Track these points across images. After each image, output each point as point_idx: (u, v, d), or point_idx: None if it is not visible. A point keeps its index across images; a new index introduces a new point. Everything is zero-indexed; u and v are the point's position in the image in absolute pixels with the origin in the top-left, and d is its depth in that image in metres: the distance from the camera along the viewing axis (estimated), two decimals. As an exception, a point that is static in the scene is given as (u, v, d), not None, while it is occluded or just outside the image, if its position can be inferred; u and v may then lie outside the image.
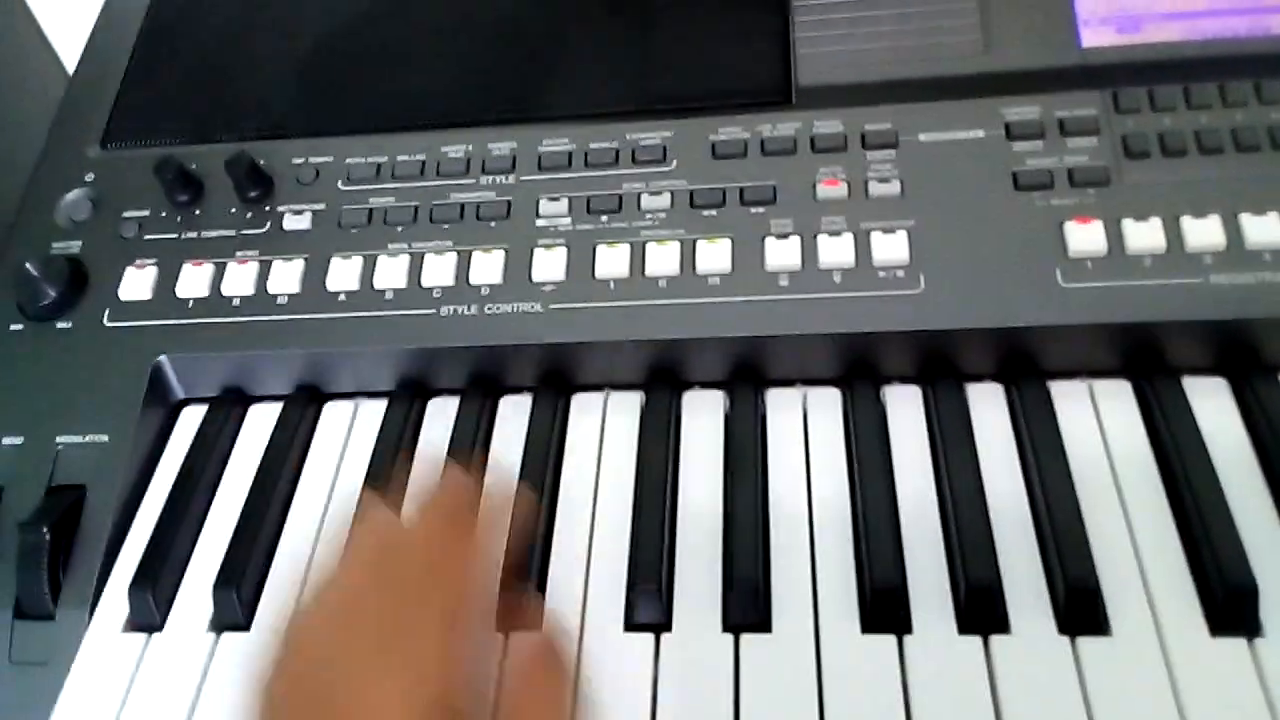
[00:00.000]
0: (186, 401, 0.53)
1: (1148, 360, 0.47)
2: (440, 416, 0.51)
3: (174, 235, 0.55)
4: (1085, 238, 0.47)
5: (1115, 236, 0.47)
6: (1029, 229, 0.48)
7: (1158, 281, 0.46)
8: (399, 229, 0.53)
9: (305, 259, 0.53)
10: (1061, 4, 0.54)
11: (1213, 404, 0.46)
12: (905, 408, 0.48)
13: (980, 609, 0.41)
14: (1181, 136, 0.49)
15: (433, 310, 0.51)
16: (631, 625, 0.43)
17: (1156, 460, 0.45)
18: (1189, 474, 0.43)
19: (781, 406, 0.49)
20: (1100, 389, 0.47)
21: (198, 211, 0.55)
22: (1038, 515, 0.43)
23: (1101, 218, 0.48)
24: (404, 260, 0.52)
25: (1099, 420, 0.46)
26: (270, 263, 0.53)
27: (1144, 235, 0.47)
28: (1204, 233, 0.46)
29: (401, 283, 0.51)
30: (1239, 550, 0.40)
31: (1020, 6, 0.55)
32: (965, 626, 0.41)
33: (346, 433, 0.51)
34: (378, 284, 0.52)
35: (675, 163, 0.53)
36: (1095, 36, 0.54)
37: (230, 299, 0.52)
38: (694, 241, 0.50)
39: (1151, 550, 0.42)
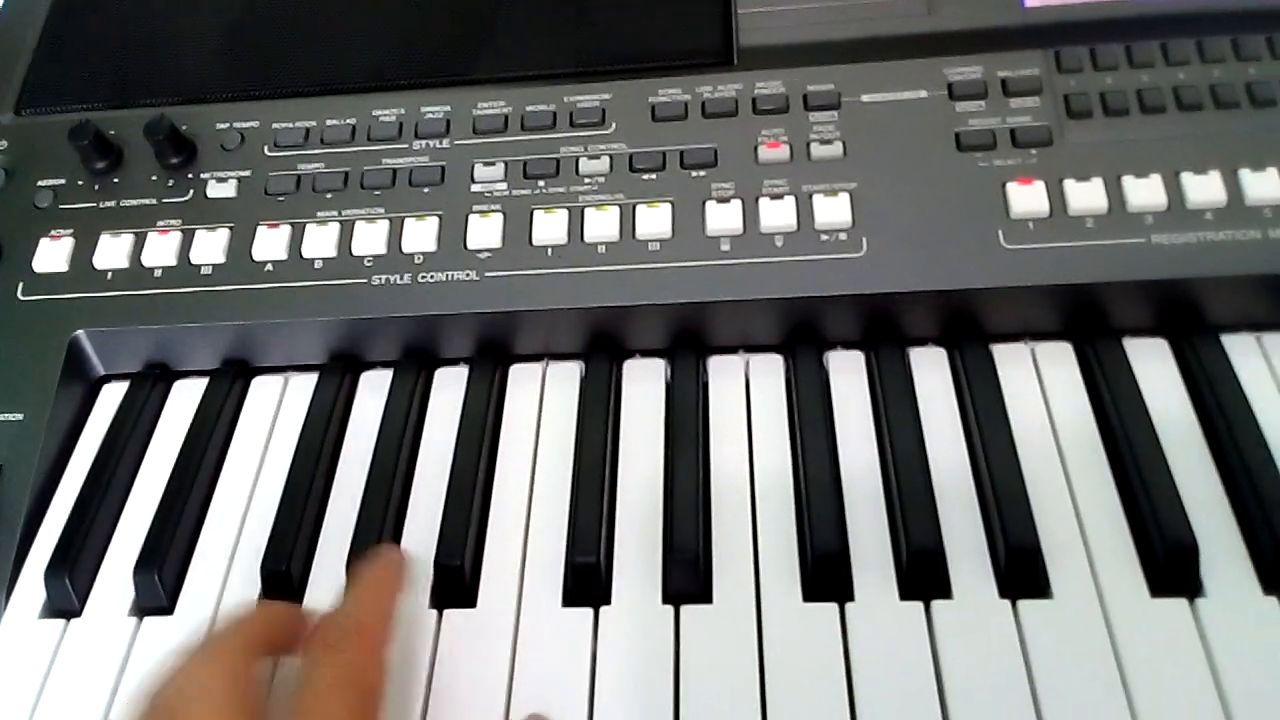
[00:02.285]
0: (107, 378, 0.51)
1: (1090, 321, 0.47)
2: (372, 390, 0.49)
3: (91, 204, 0.52)
4: (1027, 198, 0.46)
5: (1057, 197, 0.46)
6: (971, 190, 0.47)
7: (1100, 242, 0.46)
8: (328, 196, 0.51)
9: (230, 228, 0.51)
10: (1006, -39, 0.54)
11: (1154, 365, 0.45)
12: (848, 373, 0.47)
13: (922, 574, 0.41)
14: (1124, 96, 0.48)
15: (364, 280, 0.49)
16: (570, 599, 0.42)
17: (1097, 422, 0.44)
18: (1129, 435, 0.43)
19: (724, 373, 0.48)
20: (1042, 351, 0.47)
21: (116, 179, 0.53)
22: (979, 479, 0.43)
23: (1044, 178, 0.47)
24: (334, 228, 0.50)
25: (1041, 382, 0.46)
26: (193, 232, 0.51)
27: (1086, 195, 0.46)
28: (1146, 192, 0.46)
29: (331, 251, 0.50)
30: (1179, 510, 0.40)
31: (965, -36, 0.54)
32: (907, 592, 0.41)
33: (275, 408, 0.49)
34: (306, 253, 0.50)
35: (614, 125, 0.51)
36: (1039, -5, 0.53)
37: (151, 270, 0.50)
38: (634, 206, 0.49)
39: (1092, 512, 0.42)
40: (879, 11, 0.53)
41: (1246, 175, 0.46)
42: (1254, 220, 0.45)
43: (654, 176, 0.50)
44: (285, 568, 0.43)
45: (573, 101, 0.52)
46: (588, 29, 0.55)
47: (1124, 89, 0.49)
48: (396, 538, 0.44)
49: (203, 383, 0.50)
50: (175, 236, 0.51)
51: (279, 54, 0.56)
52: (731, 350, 0.49)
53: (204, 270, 0.50)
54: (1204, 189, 0.46)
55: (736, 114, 0.51)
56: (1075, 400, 0.45)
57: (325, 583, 0.43)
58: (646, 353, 0.49)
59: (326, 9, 0.57)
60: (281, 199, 0.51)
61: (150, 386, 0.50)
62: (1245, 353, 0.45)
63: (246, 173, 0.52)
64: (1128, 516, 0.41)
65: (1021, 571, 0.40)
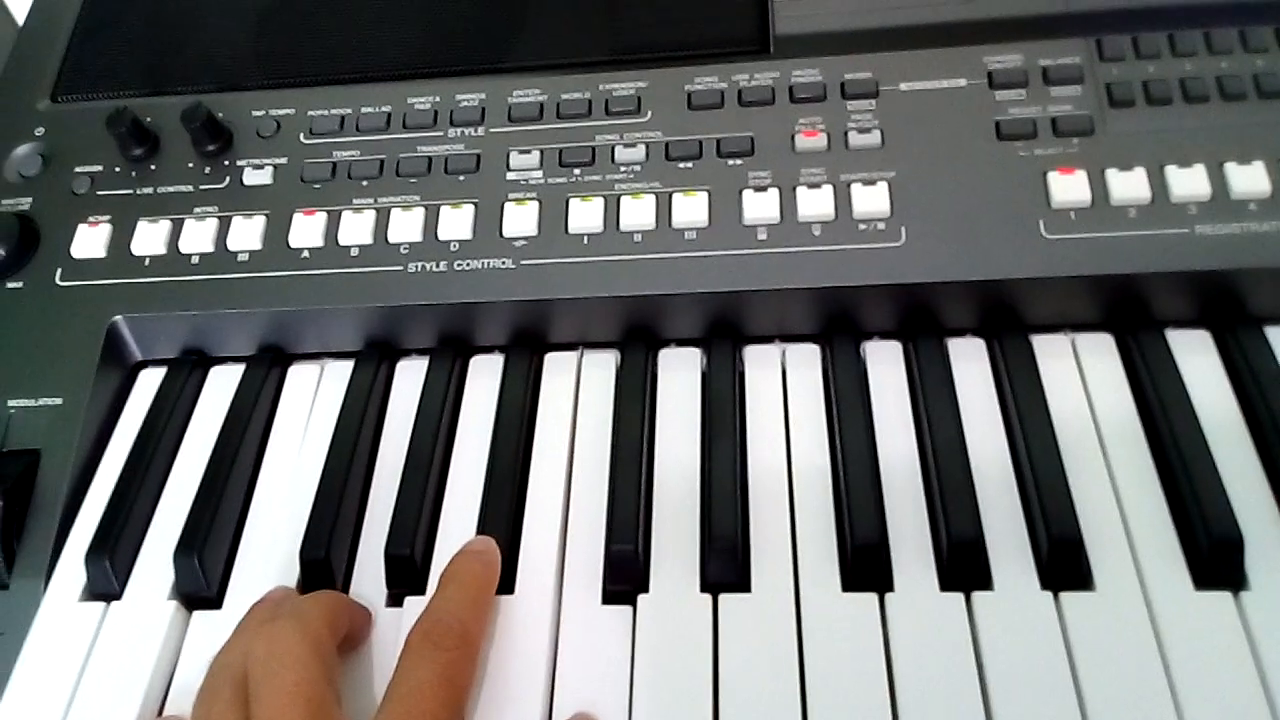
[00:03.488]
0: (145, 363, 0.51)
1: (1132, 313, 0.46)
2: (408, 378, 0.49)
3: (129, 191, 0.53)
4: (1069, 188, 0.46)
5: (1099, 187, 0.46)
6: (1012, 180, 0.47)
7: (1142, 232, 0.45)
8: (364, 183, 0.51)
9: (266, 215, 0.51)
10: (1045, -50, 0.53)
11: (1197, 357, 0.45)
12: (886, 363, 0.47)
13: (963, 565, 0.40)
14: (1166, 85, 0.48)
15: (400, 267, 0.49)
16: (608, 587, 0.42)
17: (1140, 414, 0.44)
18: (1173, 427, 0.42)
19: (760, 363, 0.48)
20: (1083, 342, 0.46)
21: (153, 166, 0.53)
22: (1020, 470, 0.43)
23: (1085, 168, 0.46)
24: (370, 216, 0.50)
25: (1082, 374, 0.45)
26: (230, 219, 0.51)
27: (1128, 185, 0.46)
28: (1189, 183, 0.45)
29: (367, 239, 0.50)
30: (1224, 503, 0.40)
31: (1004, -47, 0.53)
32: (947, 583, 0.40)
33: (312, 395, 0.50)
34: (343, 240, 0.50)
35: (650, 114, 0.51)
36: (1079, -17, 0.52)
37: (189, 256, 0.50)
38: (670, 194, 0.49)
39: (1135, 504, 0.41)
40: (916, -1, 0.53)
41: (1290, 166, 0.45)
42: (1297, 211, 0.45)
43: (690, 165, 0.50)
44: (324, 555, 0.43)
45: (608, 90, 0.52)
46: (623, 16, 0.55)
47: (1166, 78, 0.48)
48: (433, 526, 0.45)
49: (239, 369, 0.50)
50: (212, 223, 0.51)
51: (314, 41, 0.56)
52: (768, 340, 0.49)
53: (241, 257, 0.50)
54: (1248, 179, 0.45)
55: (773, 102, 0.51)
56: (1117, 392, 0.45)
57: (366, 571, 0.44)
58: (682, 342, 0.49)
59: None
60: (317, 186, 0.52)
61: (188, 372, 0.50)
62: (1285, 344, 0.45)
63: (283, 160, 0.53)
64: (1171, 509, 0.41)
65: (1063, 563, 0.40)
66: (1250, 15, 0.50)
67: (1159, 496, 0.41)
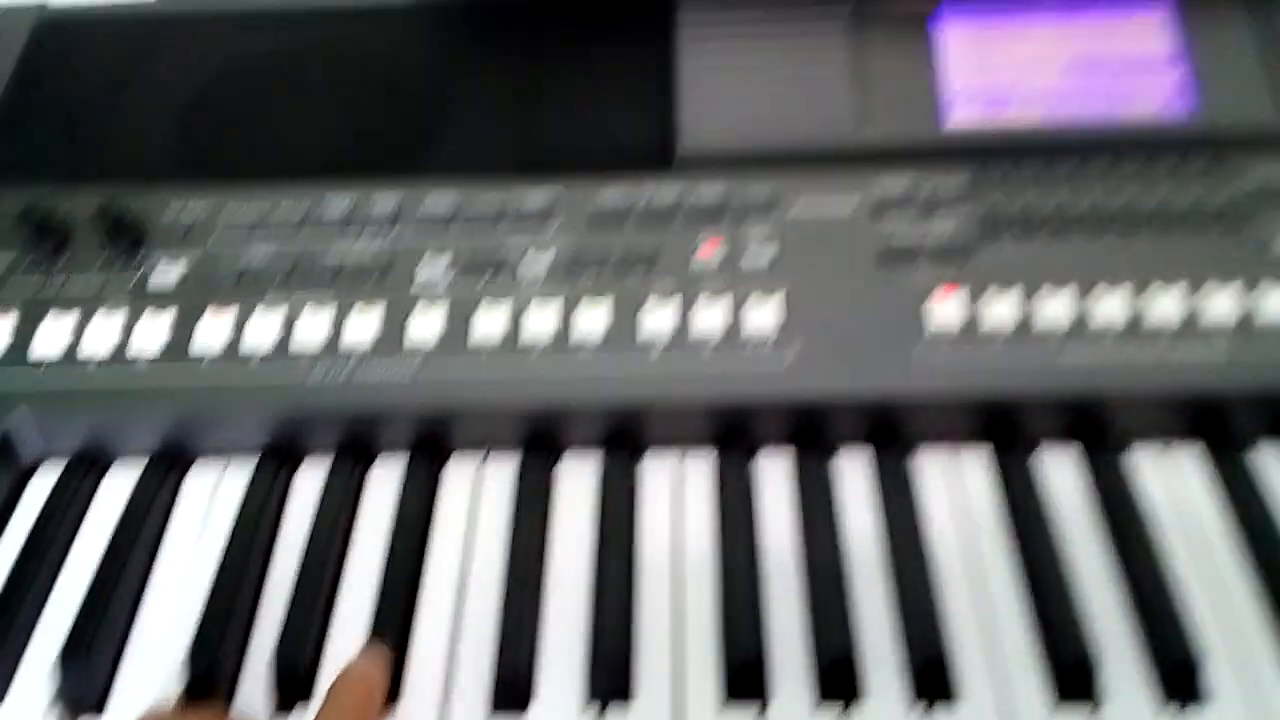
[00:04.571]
0: (39, 463, 0.51)
1: (1003, 432, 0.49)
2: (308, 483, 0.50)
3: (34, 286, 0.53)
4: (944, 311, 0.49)
5: (972, 311, 0.49)
6: (893, 301, 0.50)
7: (1010, 356, 0.48)
8: (273, 285, 0.52)
9: (173, 315, 0.51)
10: (933, 80, 0.56)
11: (1064, 475, 0.48)
12: (774, 476, 0.49)
13: (837, 678, 0.42)
14: (1037, 216, 0.51)
15: (304, 371, 0.50)
16: (496, 702, 0.42)
17: (1008, 530, 0.46)
18: (1036, 544, 0.45)
19: (655, 473, 0.49)
20: (959, 459, 0.49)
21: (61, 261, 0.53)
22: (893, 584, 0.44)
23: (959, 293, 0.49)
24: (277, 318, 0.51)
25: (957, 490, 0.48)
26: (136, 318, 0.51)
27: (998, 311, 0.49)
28: (1054, 310, 0.48)
29: (273, 342, 0.50)
30: (1080, 621, 0.42)
31: (896, 81, 0.57)
32: (825, 694, 0.42)
33: (210, 498, 0.50)
34: (248, 342, 0.50)
35: (558, 224, 0.53)
36: (964, 113, 0.56)
37: (91, 355, 0.51)
38: (572, 305, 0.51)
39: (1001, 619, 0.43)
40: (816, 122, 0.56)
41: (1150, 296, 0.48)
42: (1154, 340, 0.48)
43: (593, 277, 0.52)
44: (211, 664, 0.43)
45: (519, 199, 0.54)
46: (539, 127, 0.57)
47: (1037, 209, 0.51)
48: (322, 637, 0.45)
49: (137, 470, 0.50)
50: (117, 322, 0.51)
51: (233, 139, 0.58)
52: (664, 449, 0.50)
53: (145, 357, 0.50)
54: (1108, 308, 0.48)
55: (675, 218, 0.53)
56: (988, 508, 0.47)
57: (254, 678, 0.44)
58: (581, 451, 0.51)
59: (282, 97, 0.59)
60: (226, 286, 0.52)
61: (84, 473, 0.50)
62: (1150, 465, 0.48)
63: (193, 259, 0.53)
64: (1035, 624, 0.43)
65: (931, 677, 0.42)
66: (1119, 151, 0.54)
67: (1022, 612, 0.43)
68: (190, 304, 0.52)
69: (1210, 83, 0.55)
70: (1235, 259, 0.50)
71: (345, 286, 0.52)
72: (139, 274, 0.53)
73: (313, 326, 0.50)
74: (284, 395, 0.49)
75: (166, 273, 0.53)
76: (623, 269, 0.51)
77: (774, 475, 0.49)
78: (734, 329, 0.49)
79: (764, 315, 0.49)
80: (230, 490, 0.50)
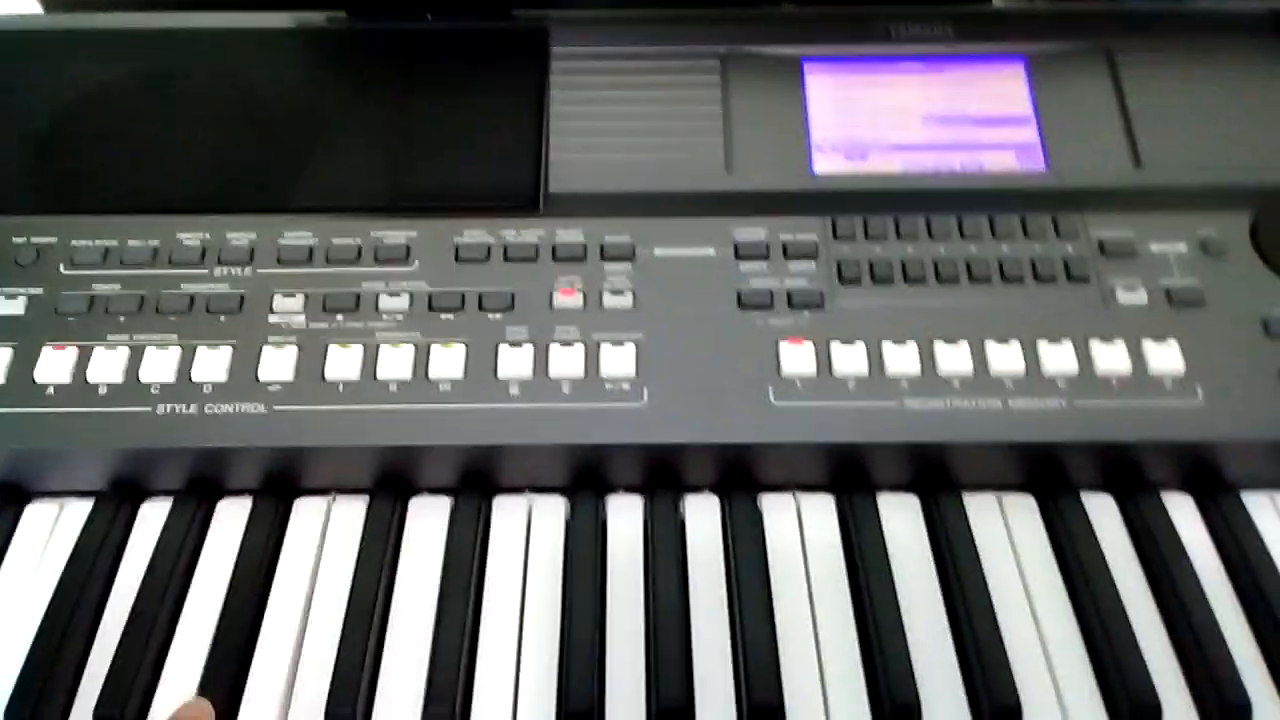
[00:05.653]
0: None
1: (851, 477, 0.50)
2: (150, 521, 0.49)
3: None
4: (797, 358, 0.50)
5: (824, 358, 0.50)
6: (748, 347, 0.50)
7: (859, 403, 0.49)
8: (121, 319, 0.51)
9: (14, 347, 0.50)
10: (799, 129, 0.58)
11: (903, 521, 0.49)
12: (625, 519, 0.49)
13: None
14: (889, 265, 0.52)
15: (149, 408, 0.48)
16: (325, 750, 0.42)
17: (848, 572, 0.47)
18: (871, 587, 0.46)
19: (507, 513, 0.49)
20: (806, 503, 0.49)
21: (-102, 290, 0.52)
22: (733, 630, 0.45)
23: (813, 339, 0.50)
24: (123, 353, 0.50)
25: (802, 533, 0.48)
26: (-26, 350, 0.50)
27: (849, 358, 0.50)
28: (902, 359, 0.50)
29: (118, 377, 0.49)
30: (907, 664, 0.43)
31: (763, 129, 0.58)
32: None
33: (47, 536, 0.48)
34: (92, 377, 0.49)
35: (417, 263, 0.53)
36: (826, 163, 0.57)
37: (-76, 388, 0.49)
38: (428, 345, 0.50)
39: (833, 660, 0.44)
40: (681, 168, 0.56)
41: (992, 347, 0.50)
42: (996, 390, 0.49)
43: (451, 317, 0.51)
44: (33, 713, 0.42)
45: (379, 237, 0.54)
46: (404, 166, 0.57)
47: (890, 259, 0.53)
48: (156, 678, 0.44)
49: (-31, 507, 0.49)
50: (-46, 354, 0.50)
51: (87, 170, 0.56)
52: (518, 491, 0.50)
53: (-18, 391, 0.49)
54: (954, 359, 0.50)
55: (537, 259, 0.53)
56: (831, 551, 0.48)
57: (76, 727, 0.42)
58: (436, 490, 0.50)
59: (140, 128, 0.57)
60: (72, 320, 0.51)
61: (-90, 511, 0.48)
62: (986, 512, 0.49)
63: (38, 290, 0.52)
64: (865, 666, 0.44)
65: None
66: (972, 203, 0.55)
67: (856, 654, 0.44)
68: (34, 335, 0.50)
69: (1060, 139, 0.57)
70: (1078, 312, 0.52)
71: (196, 322, 0.51)
72: (-20, 304, 0.51)
73: (160, 362, 0.49)
74: (128, 431, 0.48)
75: (10, 304, 0.51)
76: (482, 309, 0.51)
77: (624, 518, 0.49)
78: (592, 371, 0.50)
79: (622, 357, 0.50)
80: (70, 527, 0.48)
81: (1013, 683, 0.43)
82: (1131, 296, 0.51)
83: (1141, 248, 0.53)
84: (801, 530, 0.48)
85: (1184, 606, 0.45)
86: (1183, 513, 0.49)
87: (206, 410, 0.48)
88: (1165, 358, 0.49)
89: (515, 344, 0.50)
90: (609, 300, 0.52)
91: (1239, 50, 0.60)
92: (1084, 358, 0.50)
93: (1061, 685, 0.43)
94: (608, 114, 0.58)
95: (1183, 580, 0.46)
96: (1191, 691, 0.43)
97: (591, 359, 0.50)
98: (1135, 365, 0.49)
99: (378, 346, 0.50)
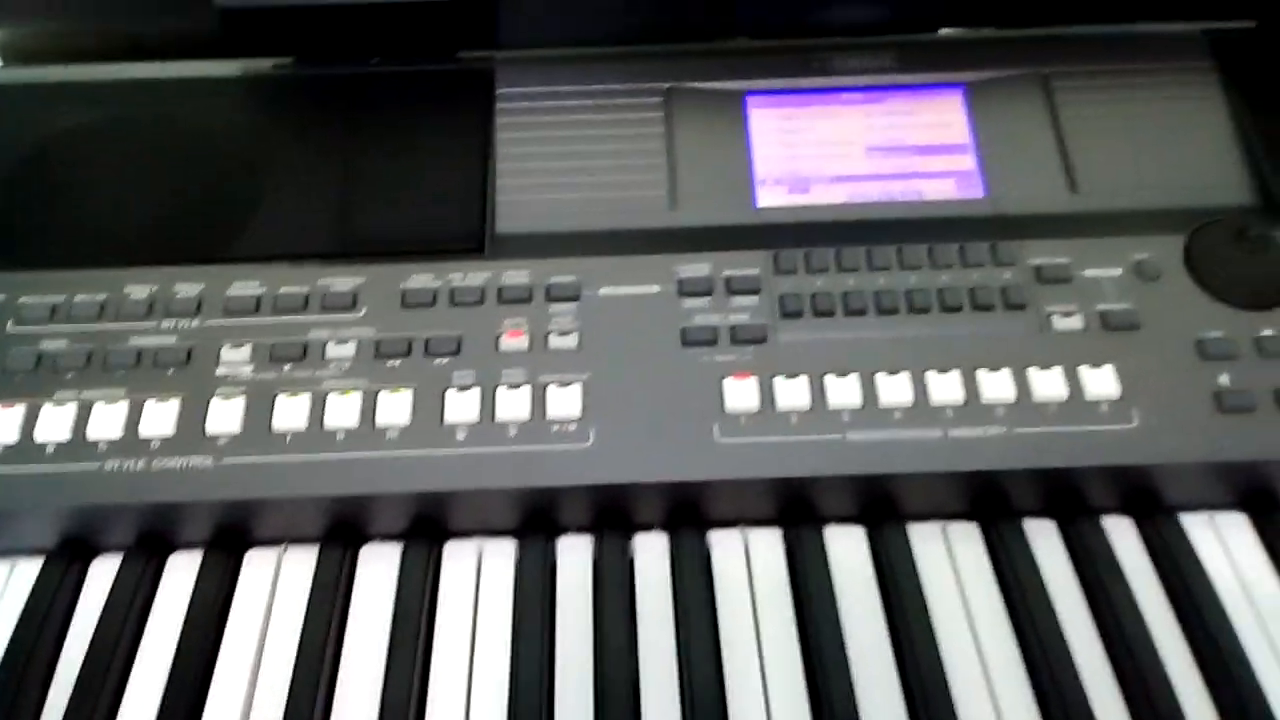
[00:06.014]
0: None
1: (798, 510, 0.50)
2: (103, 577, 0.49)
3: None
4: (741, 394, 0.50)
5: (768, 393, 0.50)
6: (692, 384, 0.51)
7: (803, 437, 0.49)
8: (69, 375, 0.51)
9: (-39, 406, 0.50)
10: (743, 163, 0.59)
11: (848, 550, 0.49)
12: (574, 557, 0.50)
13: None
14: (831, 298, 0.53)
15: (97, 465, 0.49)
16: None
17: (794, 604, 0.48)
18: (816, 618, 0.46)
19: (457, 558, 0.50)
20: (754, 538, 0.50)
21: None
22: (681, 670, 0.45)
23: (757, 374, 0.51)
24: (71, 409, 0.50)
25: (749, 567, 0.49)
26: (-80, 411, 0.50)
27: (792, 393, 0.50)
28: (844, 391, 0.50)
29: (66, 435, 0.49)
30: (850, 693, 0.43)
31: (707, 164, 0.58)
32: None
33: (-3, 595, 0.48)
34: (39, 436, 0.49)
35: (365, 310, 0.53)
36: (769, 196, 0.58)
37: None
38: (376, 392, 0.51)
39: (779, 691, 0.44)
40: (627, 205, 0.57)
41: (932, 377, 0.51)
42: (937, 420, 0.50)
43: (398, 363, 0.52)
44: (-19, 777, 0.42)
45: (326, 284, 0.54)
46: (350, 212, 0.57)
47: (831, 291, 0.53)
48: (108, 737, 0.44)
49: (-84, 570, 0.49)
50: (-101, 415, 0.50)
51: (33, 225, 0.56)
52: (469, 535, 0.51)
53: (-71, 451, 0.49)
54: (894, 389, 0.50)
55: (483, 302, 0.54)
56: (779, 584, 0.48)
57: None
58: (387, 537, 0.51)
59: (87, 181, 0.58)
60: (18, 377, 0.51)
61: None
62: (930, 541, 0.50)
63: (-15, 348, 0.52)
64: (810, 699, 0.45)
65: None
66: (913, 232, 0.56)
67: (801, 686, 0.45)
68: (-20, 395, 0.51)
69: (999, 166, 0.58)
70: (1016, 339, 0.52)
71: (143, 376, 0.51)
72: (-73, 364, 0.51)
73: (107, 418, 0.49)
74: (77, 489, 0.48)
75: (-44, 363, 0.51)
76: (428, 354, 0.52)
77: (574, 559, 0.49)
78: (539, 413, 0.50)
79: (568, 398, 0.50)
80: (18, 587, 0.49)
81: (954, 711, 0.43)
82: (1067, 322, 0.52)
83: (1077, 273, 0.54)
84: (749, 564, 0.49)
85: (1122, 629, 0.46)
86: (1122, 536, 0.50)
87: (154, 465, 0.49)
88: (1101, 382, 0.50)
89: (462, 388, 0.51)
90: (555, 341, 0.52)
91: (1173, 72, 0.61)
92: (1022, 385, 0.51)
93: (1002, 708, 0.44)
94: (553, 154, 0.58)
95: (1121, 603, 0.46)
96: (1129, 713, 0.44)
97: (538, 401, 0.50)
98: (1072, 390, 0.50)
99: (325, 395, 0.51)
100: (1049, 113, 0.60)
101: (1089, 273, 0.54)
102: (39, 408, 0.50)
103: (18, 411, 0.50)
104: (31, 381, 0.51)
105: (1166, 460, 0.49)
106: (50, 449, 0.49)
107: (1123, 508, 0.51)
